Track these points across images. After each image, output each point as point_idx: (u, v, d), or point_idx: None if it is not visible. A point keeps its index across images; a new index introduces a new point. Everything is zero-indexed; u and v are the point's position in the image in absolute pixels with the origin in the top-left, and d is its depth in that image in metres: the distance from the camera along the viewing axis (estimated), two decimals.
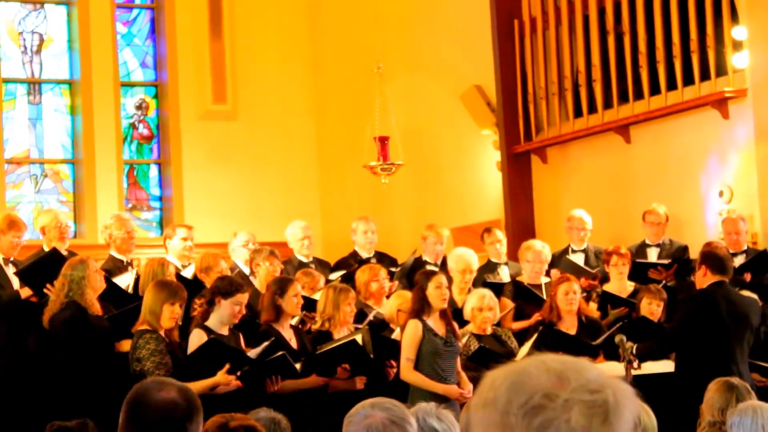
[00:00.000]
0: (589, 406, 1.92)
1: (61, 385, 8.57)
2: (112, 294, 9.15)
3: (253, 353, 8.27)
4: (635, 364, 8.12)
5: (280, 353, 8.18)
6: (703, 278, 8.61)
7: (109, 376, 8.28)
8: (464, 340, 9.11)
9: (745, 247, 10.53)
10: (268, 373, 8.22)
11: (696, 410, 7.58)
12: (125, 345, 8.53)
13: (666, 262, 10.44)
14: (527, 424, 1.92)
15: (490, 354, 9.02)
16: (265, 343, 8.29)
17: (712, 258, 8.65)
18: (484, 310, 9.37)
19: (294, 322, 8.97)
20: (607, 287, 10.24)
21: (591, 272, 10.59)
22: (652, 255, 10.93)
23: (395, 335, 8.95)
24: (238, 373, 8.04)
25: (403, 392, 8.41)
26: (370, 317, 9.45)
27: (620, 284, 10.21)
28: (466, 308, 9.49)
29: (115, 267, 9.84)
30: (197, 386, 7.47)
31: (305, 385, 8.51)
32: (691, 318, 8.54)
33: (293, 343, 8.59)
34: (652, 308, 9.35)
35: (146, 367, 7.89)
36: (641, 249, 10.96)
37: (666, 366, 8.93)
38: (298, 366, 8.36)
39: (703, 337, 8.43)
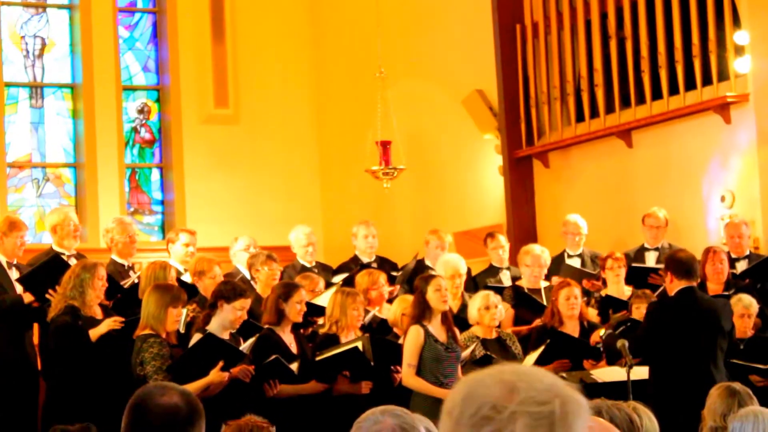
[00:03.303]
0: (534, 417, 1.97)
1: (59, 390, 8.59)
2: (116, 294, 9.20)
3: (244, 347, 8.31)
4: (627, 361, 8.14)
5: (273, 357, 8.18)
6: (670, 284, 8.56)
7: (106, 381, 8.30)
8: (472, 347, 9.11)
9: (747, 252, 10.54)
10: (264, 377, 8.22)
11: (673, 419, 7.59)
12: (100, 328, 8.49)
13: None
14: None
15: (495, 361, 9.02)
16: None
17: (675, 262, 8.57)
18: (490, 308, 9.38)
19: None
20: (606, 291, 10.26)
21: (592, 273, 10.60)
22: (651, 259, 10.93)
23: (401, 341, 8.95)
24: (232, 371, 8.03)
25: (406, 398, 8.41)
26: (367, 318, 9.44)
27: (618, 288, 10.23)
28: (472, 310, 9.49)
29: (116, 271, 9.83)
30: (191, 387, 7.48)
31: (305, 391, 8.52)
32: (658, 326, 8.49)
33: (293, 348, 8.59)
34: (641, 312, 9.33)
35: (147, 371, 7.90)
36: (640, 253, 10.96)
37: None
38: (294, 366, 8.35)
39: (674, 345, 8.40)
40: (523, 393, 1.99)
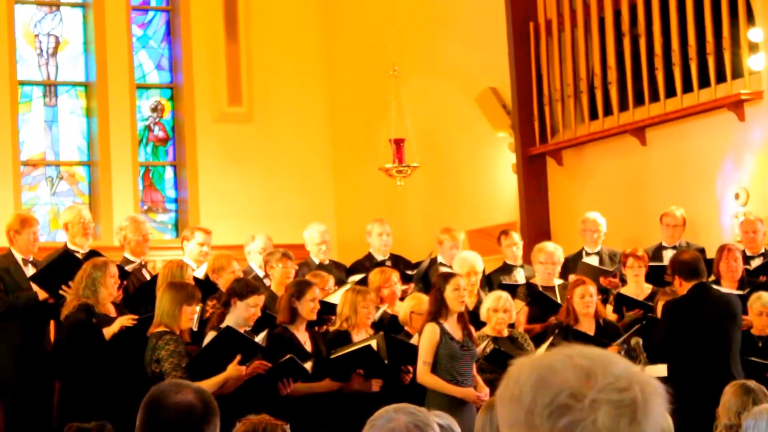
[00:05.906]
0: (616, 406, 1.87)
1: (74, 388, 8.61)
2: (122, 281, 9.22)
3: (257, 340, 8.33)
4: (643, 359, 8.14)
5: (287, 356, 8.18)
6: (680, 288, 8.61)
7: (120, 378, 8.32)
8: (483, 345, 9.11)
9: (762, 250, 10.51)
10: (279, 376, 8.22)
11: (693, 416, 7.58)
12: (113, 327, 8.52)
13: None
14: (552, 424, 1.88)
15: (505, 356, 9.03)
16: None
17: (679, 264, 8.60)
18: (499, 311, 9.37)
19: None
20: (624, 290, 10.23)
21: (610, 271, 10.58)
22: (669, 257, 10.90)
23: (413, 340, 8.95)
24: (247, 365, 8.03)
25: (421, 396, 8.40)
26: (378, 314, 9.43)
27: (637, 287, 10.19)
28: (482, 309, 9.50)
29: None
30: (209, 383, 7.48)
31: (319, 389, 8.52)
32: (675, 325, 8.50)
33: (308, 346, 8.59)
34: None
35: (164, 368, 7.90)
36: (658, 251, 10.94)
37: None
38: (308, 365, 8.35)
39: (693, 340, 8.41)
40: (601, 379, 1.89)
